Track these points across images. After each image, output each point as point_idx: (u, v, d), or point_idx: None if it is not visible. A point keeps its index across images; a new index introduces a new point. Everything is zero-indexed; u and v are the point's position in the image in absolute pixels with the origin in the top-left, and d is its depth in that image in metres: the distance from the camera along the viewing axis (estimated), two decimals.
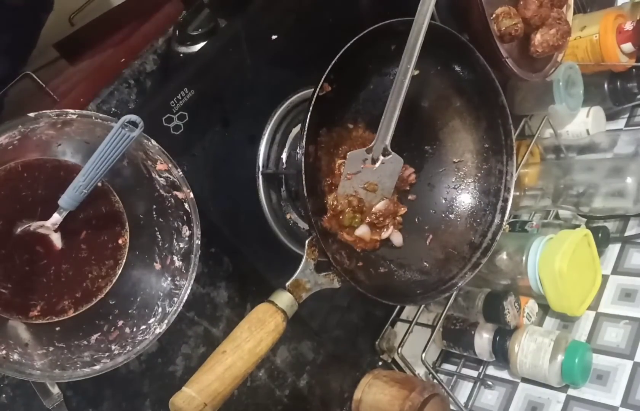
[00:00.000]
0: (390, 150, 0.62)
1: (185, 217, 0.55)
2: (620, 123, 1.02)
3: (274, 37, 0.67)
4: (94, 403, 0.60)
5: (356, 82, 0.66)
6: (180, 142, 0.61)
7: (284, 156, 0.70)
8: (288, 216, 0.70)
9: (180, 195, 0.54)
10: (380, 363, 0.84)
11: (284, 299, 0.55)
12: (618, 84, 0.96)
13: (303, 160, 0.55)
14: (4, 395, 0.54)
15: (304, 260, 0.57)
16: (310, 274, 0.57)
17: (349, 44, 0.57)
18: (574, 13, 0.89)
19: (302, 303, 0.57)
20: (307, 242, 0.58)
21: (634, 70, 0.95)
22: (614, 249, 0.89)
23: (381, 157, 0.62)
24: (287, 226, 0.70)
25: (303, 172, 0.55)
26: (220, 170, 0.66)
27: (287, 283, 0.56)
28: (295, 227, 0.70)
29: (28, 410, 0.56)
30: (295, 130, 0.70)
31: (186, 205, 0.54)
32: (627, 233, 0.90)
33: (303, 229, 0.69)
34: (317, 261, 0.58)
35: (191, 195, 0.54)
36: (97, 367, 0.50)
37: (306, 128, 0.56)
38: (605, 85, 0.96)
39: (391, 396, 0.72)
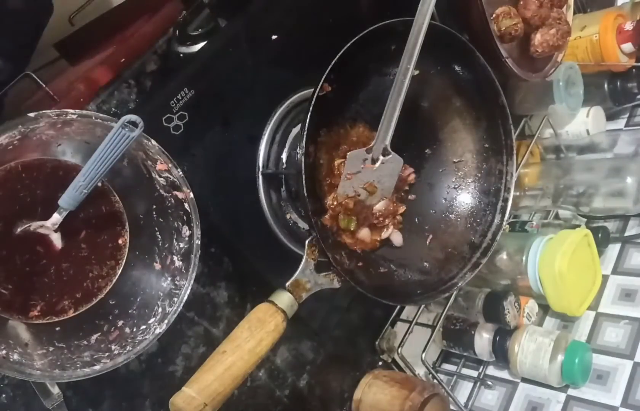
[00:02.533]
0: (390, 150, 0.62)
1: (185, 217, 0.55)
2: (620, 123, 1.02)
3: (274, 37, 0.67)
4: (94, 403, 0.60)
5: (356, 82, 0.66)
6: (180, 142, 0.61)
7: (284, 156, 0.70)
8: (288, 216, 0.70)
9: (180, 195, 0.54)
10: (380, 363, 0.84)
11: (284, 299, 0.55)
12: (618, 84, 0.96)
13: (303, 160, 0.55)
14: (4, 395, 0.54)
15: (304, 260, 0.57)
16: (310, 274, 0.57)
17: (349, 44, 0.57)
18: (574, 13, 0.89)
19: (302, 303, 0.57)
20: (307, 242, 0.58)
21: (634, 70, 0.95)
22: (614, 249, 0.89)
23: (381, 157, 0.62)
24: (287, 226, 0.70)
25: (303, 172, 0.55)
26: (220, 170, 0.66)
27: (287, 283, 0.56)
28: (295, 227, 0.70)
29: (28, 410, 0.55)
30: (295, 130, 0.70)
31: (186, 205, 0.55)
32: (627, 233, 0.90)
33: (303, 229, 0.69)
34: (317, 261, 0.58)
35: (191, 195, 0.54)
36: (97, 367, 0.50)
37: (306, 128, 0.56)
38: (605, 85, 0.96)
39: (391, 396, 0.72)
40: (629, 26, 0.92)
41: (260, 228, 0.68)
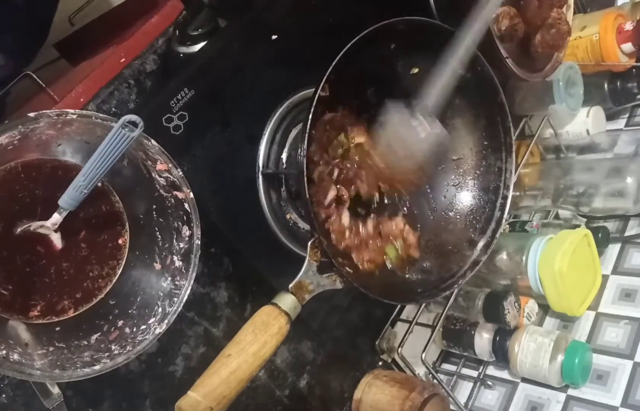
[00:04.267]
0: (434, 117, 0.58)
1: (185, 217, 0.55)
2: (620, 123, 1.02)
3: (274, 37, 0.67)
4: (94, 403, 0.60)
5: (356, 82, 0.66)
6: (180, 142, 0.61)
7: (284, 156, 0.70)
8: (288, 216, 0.70)
9: (180, 195, 0.54)
10: (380, 363, 0.84)
11: (287, 301, 0.55)
12: (618, 84, 0.95)
13: (305, 161, 0.55)
14: (4, 395, 0.54)
15: (306, 261, 0.57)
16: (313, 275, 0.57)
17: (350, 44, 0.57)
18: (574, 13, 0.89)
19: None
20: (309, 243, 0.58)
21: (634, 70, 0.95)
22: (614, 249, 0.89)
23: (421, 119, 0.58)
24: (287, 226, 0.70)
25: (305, 172, 0.55)
26: (220, 170, 0.66)
27: (290, 285, 0.56)
28: (295, 227, 0.70)
29: (28, 410, 0.55)
30: (295, 130, 0.70)
31: (186, 205, 0.54)
32: (627, 233, 0.90)
33: (303, 229, 0.69)
34: (320, 262, 0.58)
35: (191, 195, 0.54)
36: (97, 367, 0.50)
37: (308, 129, 0.56)
38: (605, 85, 0.96)
39: (391, 396, 0.72)
40: (629, 26, 0.92)
41: (260, 228, 0.68)
